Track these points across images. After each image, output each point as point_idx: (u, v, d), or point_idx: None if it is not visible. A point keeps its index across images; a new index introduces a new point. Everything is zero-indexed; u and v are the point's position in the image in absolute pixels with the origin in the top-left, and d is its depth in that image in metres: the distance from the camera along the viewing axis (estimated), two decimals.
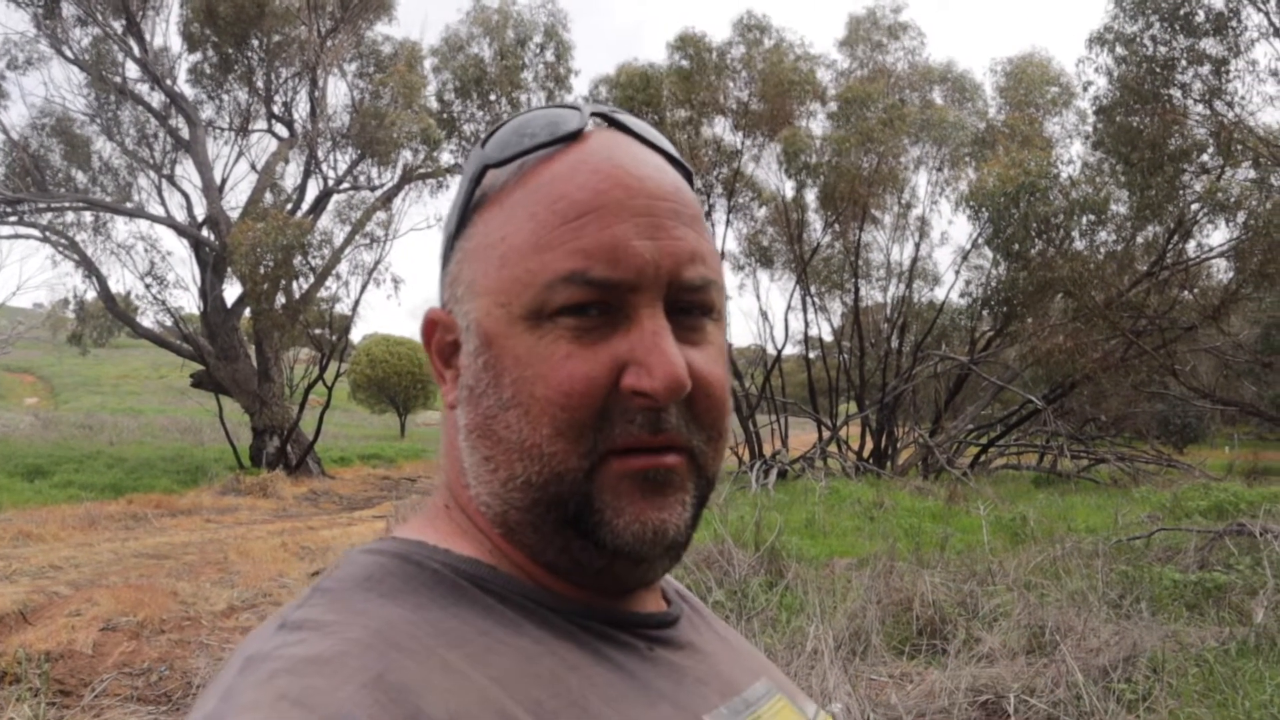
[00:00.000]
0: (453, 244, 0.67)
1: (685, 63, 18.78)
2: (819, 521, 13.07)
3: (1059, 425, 17.06)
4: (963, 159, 17.46)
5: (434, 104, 17.11)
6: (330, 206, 19.09)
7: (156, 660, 6.51)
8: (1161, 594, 7.88)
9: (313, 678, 0.50)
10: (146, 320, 20.18)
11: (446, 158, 18.02)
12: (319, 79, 17.93)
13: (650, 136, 0.68)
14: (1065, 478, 18.40)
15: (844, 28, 20.53)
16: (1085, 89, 14.32)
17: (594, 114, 0.66)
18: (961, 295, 18.42)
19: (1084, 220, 13.93)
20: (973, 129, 18.18)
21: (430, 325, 0.68)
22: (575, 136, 0.64)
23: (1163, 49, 13.37)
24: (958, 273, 18.13)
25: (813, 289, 21.87)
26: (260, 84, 19.66)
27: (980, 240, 15.60)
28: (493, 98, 17.23)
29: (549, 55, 17.45)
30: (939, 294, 20.43)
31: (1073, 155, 15.58)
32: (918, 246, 20.08)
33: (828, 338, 23.13)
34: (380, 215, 18.40)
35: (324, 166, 18.97)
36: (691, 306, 0.63)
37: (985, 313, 17.13)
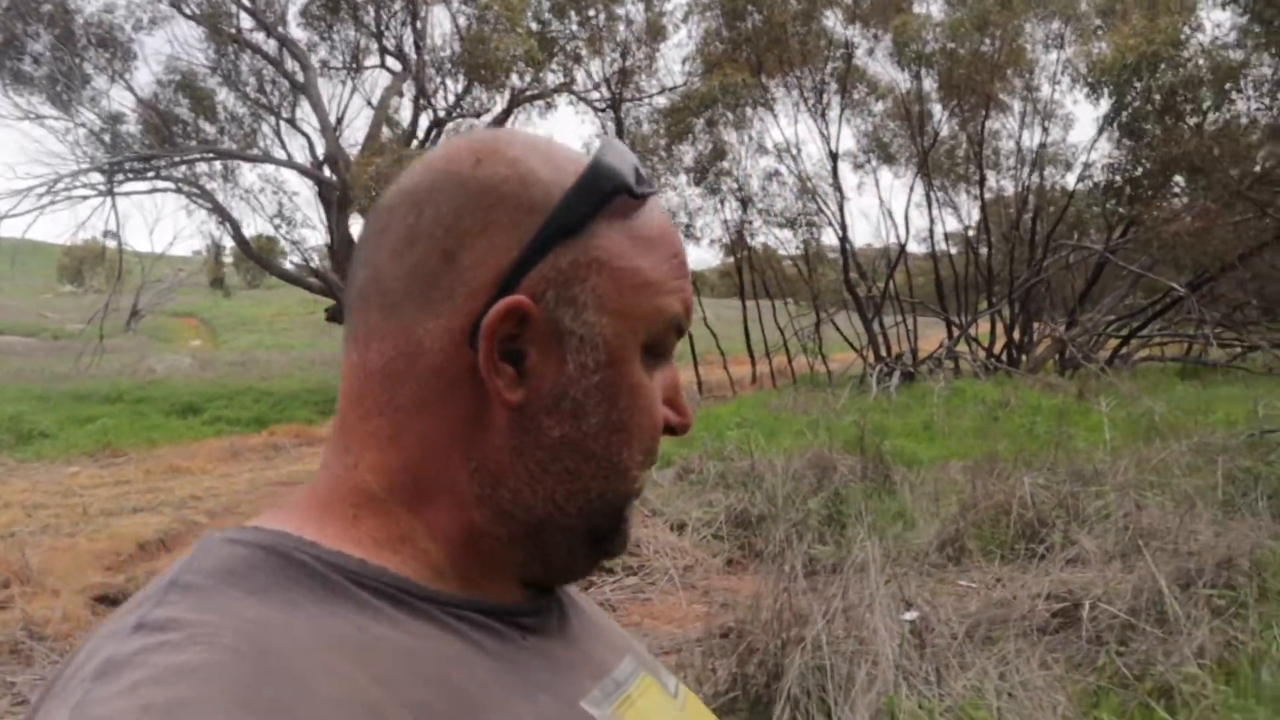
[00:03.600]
0: (558, 236, 0.63)
1: None
2: (937, 424, 12.77)
3: (1204, 312, 16.01)
4: (1092, 33, 16.23)
5: (534, 25, 16.96)
6: (444, 136, 19.39)
7: None
8: None
9: (181, 688, 0.46)
10: (284, 261, 21.14)
11: (551, 79, 18.02)
12: (419, 9, 18.05)
13: None
14: (1214, 367, 17.38)
15: None
16: None
17: None
18: (1079, 180, 17.33)
19: (1214, 91, 12.73)
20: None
21: (509, 314, 0.61)
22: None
23: None
24: (1088, 160, 17.00)
25: (937, 183, 21.03)
26: (370, 20, 20.00)
27: (1102, 119, 14.54)
28: (590, 13, 16.99)
29: None
30: (1072, 181, 19.23)
31: (1213, 20, 14.17)
32: (1046, 130, 18.95)
33: (954, 234, 22.29)
34: None
35: (434, 97, 19.22)
36: None
37: (1107, 199, 16.06)
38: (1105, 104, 13.78)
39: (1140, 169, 14.25)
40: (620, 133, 18.94)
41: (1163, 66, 12.36)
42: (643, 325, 0.64)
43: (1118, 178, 15.00)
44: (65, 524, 8.91)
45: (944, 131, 20.34)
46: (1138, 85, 12.62)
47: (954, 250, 21.39)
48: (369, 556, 0.61)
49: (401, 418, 0.63)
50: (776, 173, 19.57)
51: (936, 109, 19.55)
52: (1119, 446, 9.75)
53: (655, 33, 17.59)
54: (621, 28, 17.24)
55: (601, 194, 0.63)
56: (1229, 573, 5.08)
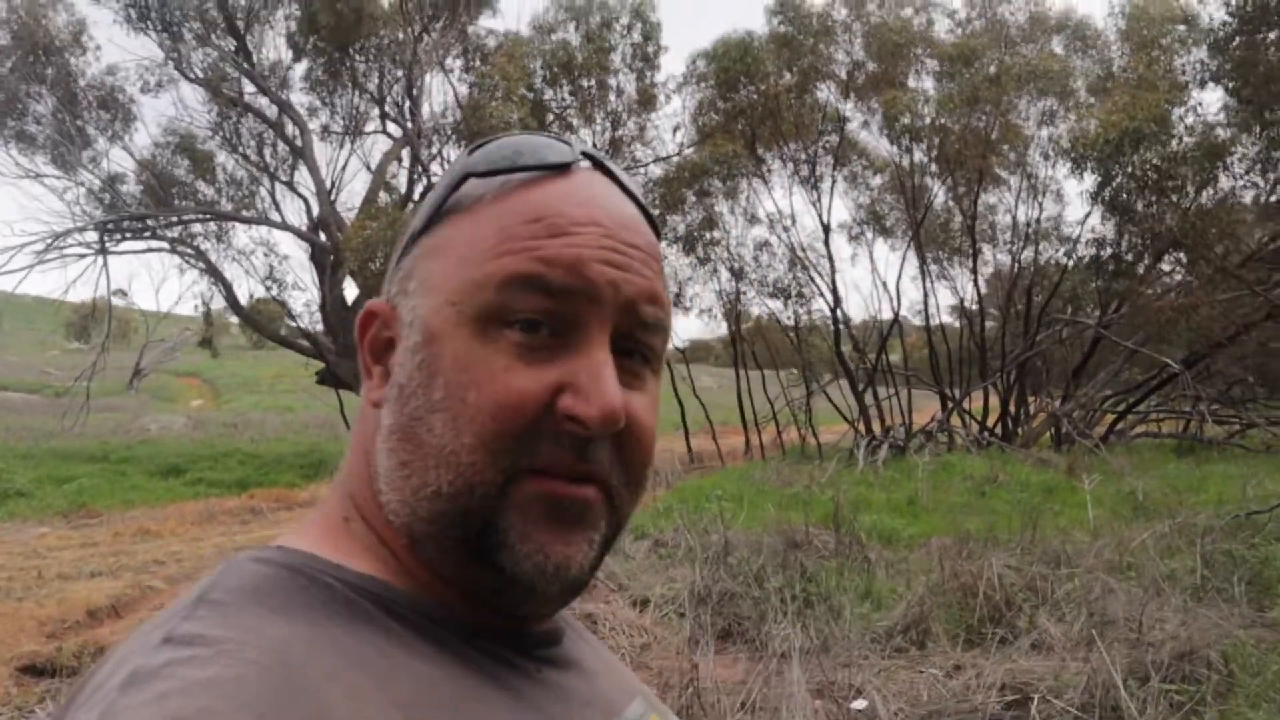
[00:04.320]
0: (414, 240, 0.66)
1: (785, 28, 18.24)
2: (920, 499, 12.55)
3: (1199, 389, 15.82)
4: (1086, 109, 16.32)
5: (528, 93, 17.17)
6: None
7: None
8: (1272, 577, 7.20)
9: (207, 700, 0.47)
10: (281, 325, 21.16)
11: None
12: (415, 78, 18.30)
13: (631, 187, 0.69)
14: (1210, 444, 17.12)
15: None
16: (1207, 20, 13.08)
17: (584, 154, 0.67)
18: (1066, 255, 17.25)
19: (1198, 168, 12.70)
20: (1093, 76, 16.99)
21: (369, 317, 0.67)
22: (563, 169, 0.65)
23: None
24: (1076, 235, 16.94)
25: (931, 255, 21.02)
26: (372, 86, 20.31)
27: (1088, 195, 14.52)
28: (583, 83, 17.18)
29: (636, 35, 17.25)
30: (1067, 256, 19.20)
31: (1199, 99, 14.23)
32: (1040, 205, 18.96)
33: (949, 306, 22.22)
34: None
35: (429, 163, 19.38)
36: (637, 349, 0.65)
37: (1092, 274, 15.98)
38: (1090, 180, 13.80)
39: (1125, 245, 14.17)
40: None
41: (1145, 143, 12.35)
42: (464, 295, 0.61)
43: (1103, 253, 14.95)
44: (18, 587, 8.74)
45: (938, 203, 20.41)
46: (1120, 161, 12.60)
47: (949, 323, 21.33)
48: (392, 579, 0.62)
49: (362, 444, 0.67)
50: (768, 243, 19.61)
51: (934, 183, 19.66)
52: (1101, 526, 9.55)
53: (646, 102, 17.77)
54: (613, 97, 17.42)
55: (447, 186, 0.65)
56: (1190, 665, 4.86)
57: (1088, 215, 16.87)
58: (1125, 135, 12.39)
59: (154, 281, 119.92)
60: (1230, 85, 11.99)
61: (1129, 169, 12.64)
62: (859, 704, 5.18)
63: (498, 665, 0.62)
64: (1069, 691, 4.62)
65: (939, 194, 20.10)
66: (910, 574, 8.28)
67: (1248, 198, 13.98)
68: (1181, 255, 13.72)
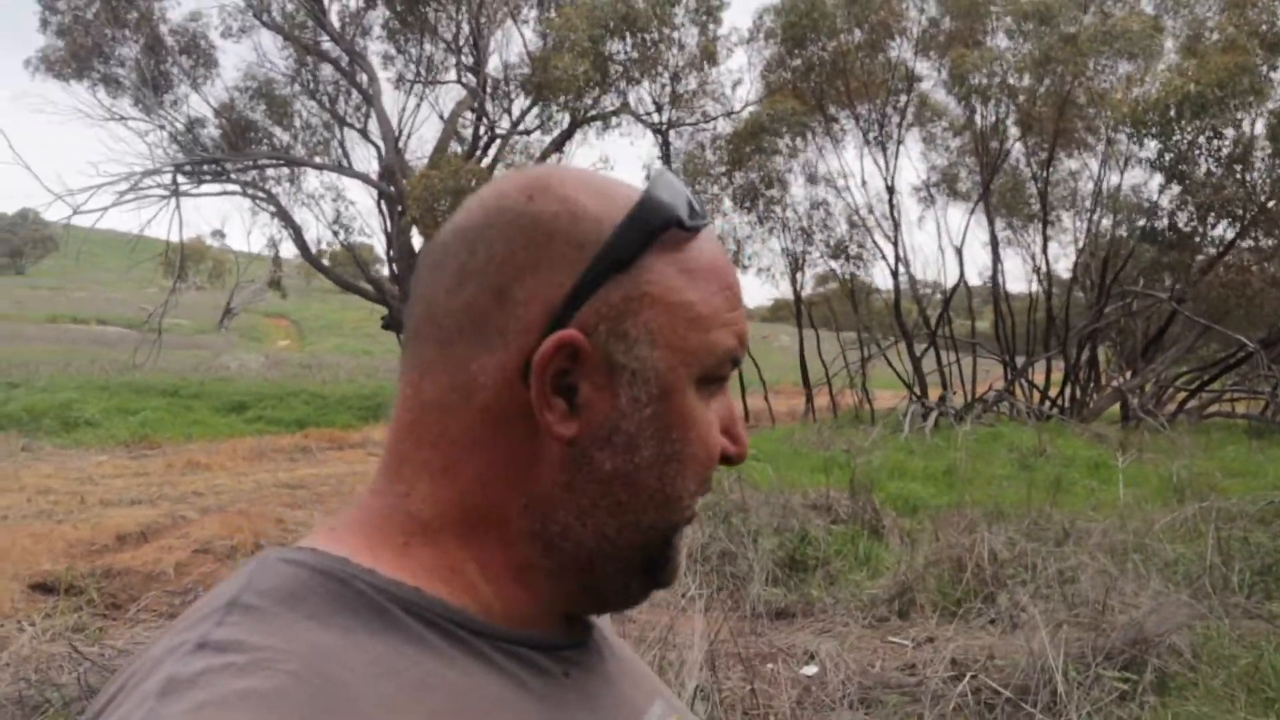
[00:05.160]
0: (611, 269, 0.64)
1: None
2: (960, 469, 12.29)
3: (1274, 369, 15.12)
4: (1158, 73, 15.49)
5: (589, 44, 17.07)
6: (506, 153, 19.66)
7: (207, 580, 7.04)
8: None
9: (245, 712, 0.49)
10: (364, 271, 21.70)
11: (608, 101, 18.10)
12: (483, 27, 18.34)
13: None
14: None
15: None
16: None
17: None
18: (1116, 224, 16.51)
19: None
20: (1183, 37, 16.11)
21: (560, 348, 0.62)
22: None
23: None
24: (1153, 201, 16.16)
25: (1006, 221, 20.42)
26: (450, 35, 20.44)
27: (1149, 162, 13.79)
28: (645, 36, 16.99)
29: None
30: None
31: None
32: (1122, 173, 18.17)
33: (1024, 276, 21.56)
34: (554, 159, 18.79)
35: (494, 113, 19.49)
36: None
37: (1147, 242, 15.23)
38: (1152, 146, 13.10)
39: (1186, 217, 13.50)
40: (667, 157, 18.90)
41: (1209, 109, 11.67)
42: (695, 359, 0.65)
43: (1157, 223, 14.26)
44: (60, 510, 9.21)
45: (1011, 167, 19.76)
46: (1181, 128, 11.95)
47: (1021, 291, 20.71)
48: (423, 586, 0.62)
49: (454, 451, 0.65)
50: (825, 202, 19.24)
51: (1015, 147, 19.03)
52: (1130, 506, 9.25)
53: (708, 56, 17.51)
54: (675, 51, 17.20)
55: (652, 228, 0.65)
56: (1145, 652, 4.72)
57: (1165, 184, 16.12)
58: (1186, 99, 11.74)
59: (245, 224, 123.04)
60: None
61: (1189, 135, 11.98)
62: (809, 669, 5.18)
63: (526, 670, 0.63)
64: (1009, 670, 4.53)
65: (1019, 158, 19.46)
66: (916, 544, 8.18)
67: None
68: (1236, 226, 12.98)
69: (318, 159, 20.06)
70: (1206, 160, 12.49)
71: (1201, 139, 11.99)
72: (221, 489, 10.88)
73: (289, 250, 22.92)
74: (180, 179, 18.98)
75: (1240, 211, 12.37)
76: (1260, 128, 12.53)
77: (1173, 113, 12.02)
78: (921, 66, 18.92)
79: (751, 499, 8.95)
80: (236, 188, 19.42)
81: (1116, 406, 17.40)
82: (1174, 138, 12.38)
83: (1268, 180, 12.88)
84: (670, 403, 0.64)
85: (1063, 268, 22.00)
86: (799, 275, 20.38)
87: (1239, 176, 12.46)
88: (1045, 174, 17.77)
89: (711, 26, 17.38)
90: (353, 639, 0.56)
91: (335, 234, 18.96)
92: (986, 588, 6.55)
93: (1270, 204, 12.31)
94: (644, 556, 0.67)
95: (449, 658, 0.59)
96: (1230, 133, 12.04)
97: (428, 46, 20.63)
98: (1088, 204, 19.66)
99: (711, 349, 0.66)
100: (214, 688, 0.49)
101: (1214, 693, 4.58)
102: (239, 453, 13.48)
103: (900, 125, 18.57)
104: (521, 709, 0.60)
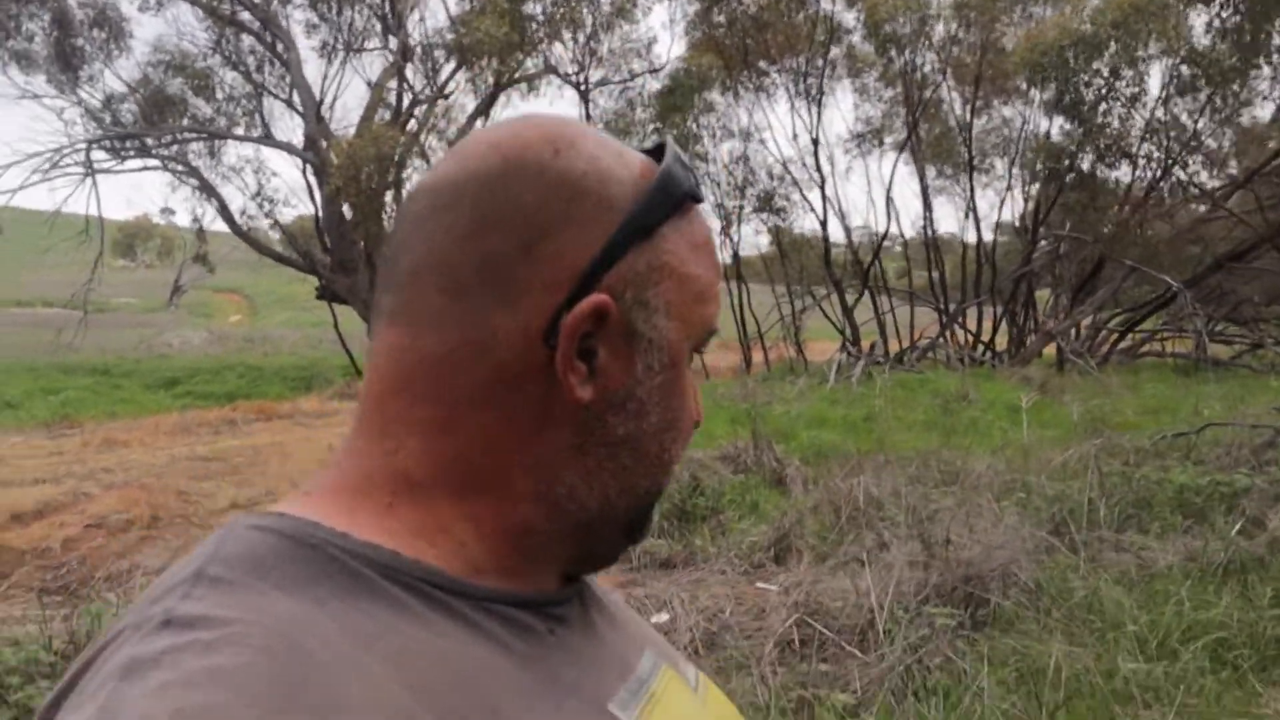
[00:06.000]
0: (635, 235, 0.63)
1: None
2: (879, 415, 12.38)
3: (1197, 308, 15.33)
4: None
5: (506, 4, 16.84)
6: (429, 118, 19.44)
7: (93, 555, 6.98)
8: (1161, 500, 7.00)
9: (213, 692, 0.45)
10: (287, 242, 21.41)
11: (530, 64, 17.93)
12: None
13: None
14: (1217, 365, 16.61)
15: None
16: None
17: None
18: (1020, 166, 16.59)
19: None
20: None
21: (593, 312, 0.61)
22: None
23: None
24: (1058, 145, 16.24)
25: (938, 169, 20.47)
26: (374, 1, 20.11)
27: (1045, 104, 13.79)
28: None
29: None
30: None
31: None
32: (1050, 118, 18.24)
33: (951, 222, 21.66)
34: (479, 123, 18.60)
35: (419, 79, 19.25)
36: None
37: (1051, 187, 15.32)
38: (1051, 90, 13.13)
39: (1081, 154, 13.56)
40: (588, 116, 18.76)
41: (1099, 51, 11.67)
42: (694, 331, 0.67)
43: (1061, 163, 14.33)
44: None
45: (950, 118, 19.79)
46: (1072, 71, 11.96)
47: (953, 238, 20.79)
48: (402, 548, 0.59)
49: (460, 408, 0.62)
50: (745, 157, 19.20)
51: (948, 95, 19.02)
52: (1033, 446, 9.37)
53: (621, 12, 17.34)
54: (589, 7, 17.01)
55: (674, 199, 0.65)
56: (976, 589, 4.78)
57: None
58: (1079, 41, 11.74)
59: (164, 199, 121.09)
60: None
61: (1083, 79, 11.99)
62: (661, 616, 5.23)
63: (510, 631, 0.61)
64: (837, 613, 4.59)
65: (955, 106, 19.47)
66: (814, 493, 8.23)
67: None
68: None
69: (239, 131, 19.74)
70: (1107, 102, 12.53)
71: (1099, 81, 12.01)
72: (132, 465, 10.79)
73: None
74: (101, 155, 18.69)
75: (1136, 152, 12.46)
76: (1157, 71, 12.62)
77: (1070, 55, 12.03)
78: (848, 18, 18.84)
79: None
80: (157, 162, 19.11)
81: (1048, 350, 17.61)
82: (1071, 79, 12.41)
83: (1165, 124, 12.98)
84: (676, 371, 0.66)
85: (999, 215, 22.10)
86: (732, 231, 20.38)
87: (1138, 118, 12.54)
88: (969, 121, 17.78)
89: None
90: (325, 608, 0.53)
91: (260, 206, 18.74)
92: (860, 531, 6.62)
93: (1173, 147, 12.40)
94: (631, 518, 0.68)
95: (428, 623, 0.57)
96: (1128, 73, 12.09)
97: (349, 14, 20.31)
98: (1015, 150, 19.78)
99: (706, 322, 0.68)
100: (178, 667, 0.47)
101: (1048, 626, 4.66)
102: (161, 428, 13.36)
103: (826, 77, 18.49)
104: (504, 673, 0.58)
